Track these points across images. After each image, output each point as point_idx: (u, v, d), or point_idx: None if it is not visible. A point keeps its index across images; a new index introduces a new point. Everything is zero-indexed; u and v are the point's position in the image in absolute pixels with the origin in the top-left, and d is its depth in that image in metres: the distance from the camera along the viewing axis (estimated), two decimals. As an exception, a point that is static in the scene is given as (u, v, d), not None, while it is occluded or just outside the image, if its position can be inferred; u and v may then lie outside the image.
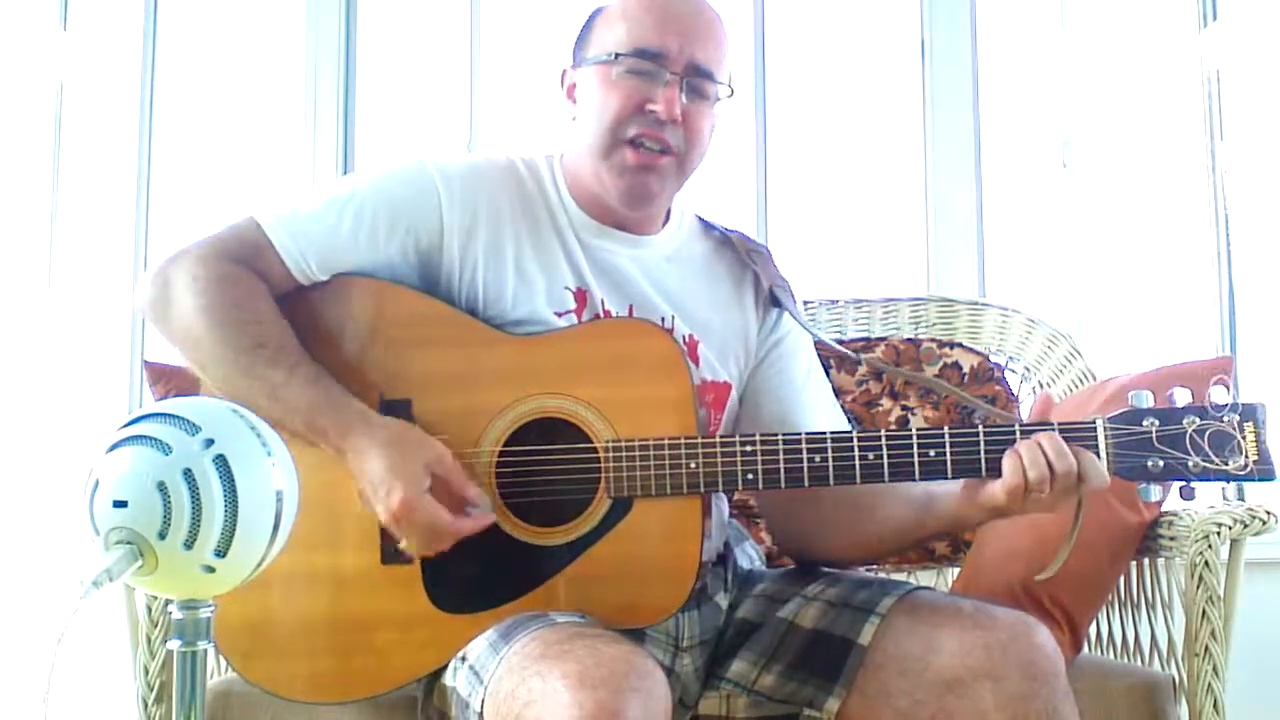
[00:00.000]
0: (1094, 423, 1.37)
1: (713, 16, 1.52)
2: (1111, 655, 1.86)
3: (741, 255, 1.62)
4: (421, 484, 1.34)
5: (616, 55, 1.47)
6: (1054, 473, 1.31)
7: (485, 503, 1.39)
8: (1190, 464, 1.35)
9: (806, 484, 1.40)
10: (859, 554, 1.56)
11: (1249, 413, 1.35)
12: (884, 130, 2.81)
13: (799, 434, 1.41)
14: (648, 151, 1.47)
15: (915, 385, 2.06)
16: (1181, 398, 1.37)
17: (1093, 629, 1.85)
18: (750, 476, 1.40)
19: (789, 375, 1.61)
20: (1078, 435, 1.36)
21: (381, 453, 1.35)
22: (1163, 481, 1.36)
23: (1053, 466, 1.31)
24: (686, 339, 1.54)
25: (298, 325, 1.45)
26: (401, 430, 1.38)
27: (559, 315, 1.49)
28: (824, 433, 1.41)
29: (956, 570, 2.03)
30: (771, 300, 1.62)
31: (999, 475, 1.34)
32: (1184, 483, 1.37)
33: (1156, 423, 1.36)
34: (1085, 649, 1.80)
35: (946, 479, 1.39)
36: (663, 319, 1.53)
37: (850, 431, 1.42)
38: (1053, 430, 1.35)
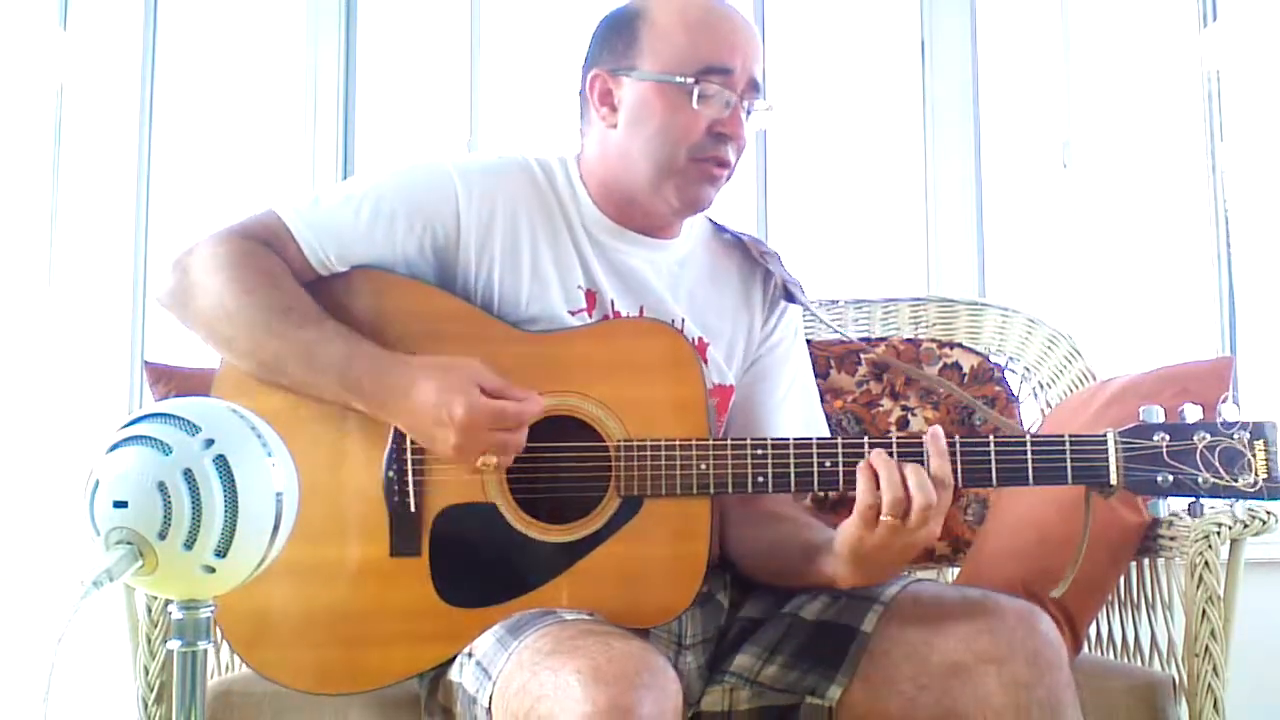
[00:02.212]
0: (1104, 435, 1.37)
1: (754, 28, 1.52)
2: (1111, 655, 1.86)
3: (754, 254, 1.62)
4: (475, 391, 1.35)
5: (695, 78, 1.44)
6: (910, 501, 1.29)
7: (533, 395, 1.39)
8: (1200, 480, 1.34)
9: (816, 489, 1.41)
10: (754, 570, 1.52)
11: (1259, 430, 1.34)
12: (884, 130, 2.81)
13: (810, 439, 1.41)
14: (712, 168, 1.48)
15: (915, 386, 2.06)
16: (1192, 414, 1.36)
17: (1093, 629, 1.85)
18: (760, 480, 1.40)
19: (773, 382, 1.61)
20: (1088, 447, 1.36)
21: (426, 380, 1.37)
22: (1172, 497, 1.36)
23: (910, 494, 1.29)
24: (696, 341, 1.54)
25: None
26: (434, 358, 1.40)
27: (572, 314, 1.50)
28: (836, 439, 1.41)
29: (956, 570, 2.02)
30: (786, 296, 1.62)
31: (1009, 484, 1.34)
32: (1193, 499, 1.36)
33: (1167, 438, 1.35)
34: (1085, 649, 1.80)
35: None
36: (673, 320, 1.54)
37: (862, 439, 1.41)
38: (944, 461, 1.32)
